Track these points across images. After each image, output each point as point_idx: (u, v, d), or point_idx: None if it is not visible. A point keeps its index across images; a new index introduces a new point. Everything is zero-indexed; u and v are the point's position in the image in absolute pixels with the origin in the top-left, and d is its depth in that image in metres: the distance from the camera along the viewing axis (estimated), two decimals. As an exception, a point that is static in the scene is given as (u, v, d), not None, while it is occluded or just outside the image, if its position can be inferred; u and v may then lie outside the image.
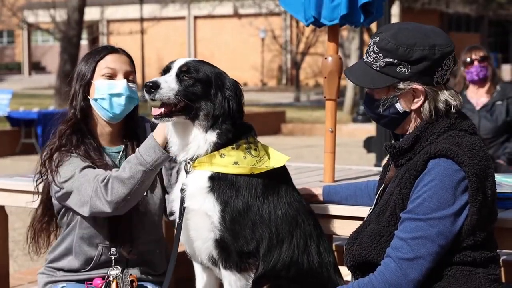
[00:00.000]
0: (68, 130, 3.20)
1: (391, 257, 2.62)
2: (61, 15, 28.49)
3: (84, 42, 42.95)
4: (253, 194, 2.90)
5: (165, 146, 2.98)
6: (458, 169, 2.59)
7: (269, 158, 2.97)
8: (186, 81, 2.88)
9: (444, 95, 2.71)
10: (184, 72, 2.89)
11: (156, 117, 2.89)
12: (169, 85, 2.85)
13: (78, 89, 3.23)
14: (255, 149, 2.96)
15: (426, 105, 2.70)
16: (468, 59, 6.39)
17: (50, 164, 3.15)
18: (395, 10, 33.10)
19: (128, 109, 3.26)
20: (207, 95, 2.88)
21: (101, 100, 3.19)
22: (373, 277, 2.64)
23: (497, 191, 3.42)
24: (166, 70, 2.94)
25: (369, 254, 2.74)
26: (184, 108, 2.87)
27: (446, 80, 2.73)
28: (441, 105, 2.70)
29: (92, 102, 3.22)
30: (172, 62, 2.95)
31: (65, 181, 3.11)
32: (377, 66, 2.70)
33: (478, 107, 6.43)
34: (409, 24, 2.76)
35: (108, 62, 3.23)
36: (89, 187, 3.03)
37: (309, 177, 4.06)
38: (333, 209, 3.31)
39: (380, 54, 2.69)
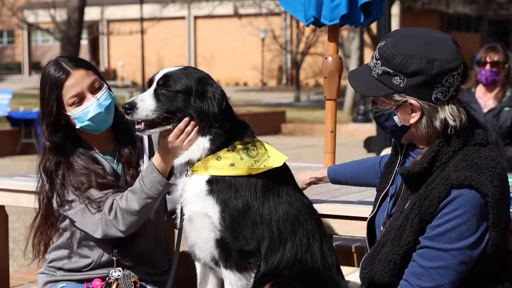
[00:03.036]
0: (53, 167, 3.24)
1: (411, 284, 2.55)
2: (61, 15, 28.49)
3: (84, 42, 43.04)
4: (252, 194, 2.89)
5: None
6: (482, 200, 2.48)
7: (268, 157, 2.96)
8: (164, 95, 2.89)
9: (444, 114, 2.53)
10: (162, 85, 2.90)
11: (138, 130, 2.93)
12: (145, 103, 2.87)
13: (46, 127, 3.18)
14: (253, 149, 2.95)
15: (424, 121, 2.55)
16: (482, 60, 6.31)
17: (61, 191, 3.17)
18: (395, 10, 33.09)
19: (112, 114, 3.23)
20: (187, 104, 2.89)
21: (85, 126, 3.17)
22: None
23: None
24: (150, 82, 2.95)
25: (387, 281, 2.66)
26: (165, 119, 2.90)
27: (450, 96, 2.54)
28: (437, 124, 2.55)
29: (78, 129, 3.19)
30: (156, 74, 2.96)
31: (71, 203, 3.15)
32: (375, 73, 2.57)
33: (485, 110, 6.34)
34: (418, 31, 2.59)
35: (70, 90, 3.14)
36: (92, 216, 3.09)
37: (309, 177, 4.06)
38: (333, 209, 3.31)
39: (379, 61, 2.55)
